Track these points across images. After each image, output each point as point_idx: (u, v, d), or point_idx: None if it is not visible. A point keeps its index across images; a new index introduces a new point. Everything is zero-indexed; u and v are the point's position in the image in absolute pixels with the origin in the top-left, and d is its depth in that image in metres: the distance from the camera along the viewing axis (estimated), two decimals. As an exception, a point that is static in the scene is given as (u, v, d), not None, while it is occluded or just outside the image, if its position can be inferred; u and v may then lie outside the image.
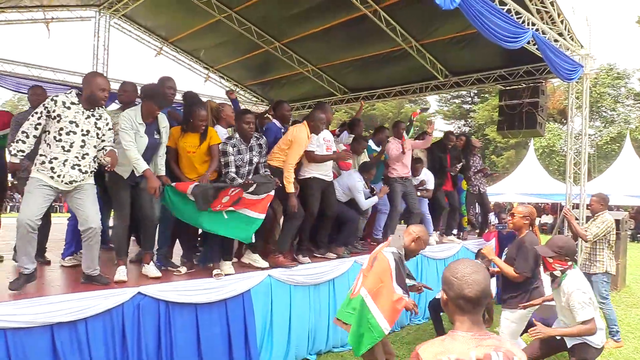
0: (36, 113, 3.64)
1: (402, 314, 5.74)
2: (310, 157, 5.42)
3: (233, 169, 4.75)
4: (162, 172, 4.48)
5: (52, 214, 5.21)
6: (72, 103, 3.71)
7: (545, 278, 4.27)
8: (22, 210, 3.59)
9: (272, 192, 4.74)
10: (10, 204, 26.17)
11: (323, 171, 5.57)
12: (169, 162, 4.67)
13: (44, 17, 11.47)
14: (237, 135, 4.91)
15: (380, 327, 3.47)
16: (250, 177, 4.85)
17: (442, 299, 1.93)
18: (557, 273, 3.74)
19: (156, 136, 4.32)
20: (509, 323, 4.35)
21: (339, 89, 12.74)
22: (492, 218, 12.10)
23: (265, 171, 5.04)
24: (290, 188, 5.08)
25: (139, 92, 4.92)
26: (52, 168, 3.64)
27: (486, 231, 8.79)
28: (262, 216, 4.67)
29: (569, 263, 3.76)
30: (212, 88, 13.83)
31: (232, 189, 4.47)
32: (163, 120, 4.39)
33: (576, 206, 9.02)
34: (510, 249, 4.59)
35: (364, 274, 3.72)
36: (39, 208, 3.60)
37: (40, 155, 3.67)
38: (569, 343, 3.76)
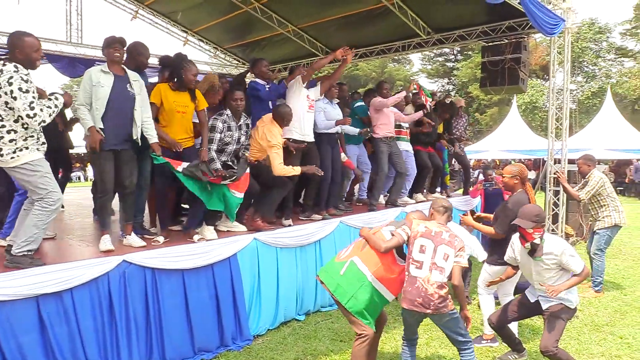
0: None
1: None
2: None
3: (215, 147, 4.73)
4: (154, 139, 4.34)
5: (70, 184, 5.15)
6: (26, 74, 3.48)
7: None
8: (56, 191, 3.59)
9: (247, 170, 4.83)
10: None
11: (300, 131, 5.52)
12: None
13: (12, -18, 11.00)
14: (228, 112, 4.86)
15: (385, 298, 3.64)
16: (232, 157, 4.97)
17: (430, 210, 3.89)
18: (537, 241, 3.76)
19: (129, 89, 4.14)
20: (486, 274, 4.54)
21: (321, 49, 12.52)
22: (480, 176, 12.21)
23: (243, 153, 5.04)
24: (296, 171, 5.11)
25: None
26: (38, 139, 3.58)
27: (471, 189, 8.90)
28: (241, 195, 4.72)
29: (544, 228, 3.82)
30: (191, 51, 13.50)
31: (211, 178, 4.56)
32: (133, 74, 4.26)
33: (558, 161, 9.11)
34: (498, 208, 4.63)
35: (355, 245, 3.79)
36: None
37: (30, 137, 3.49)
38: (544, 305, 3.83)
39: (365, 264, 3.60)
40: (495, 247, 4.49)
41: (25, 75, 3.42)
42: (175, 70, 4.62)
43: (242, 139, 5.00)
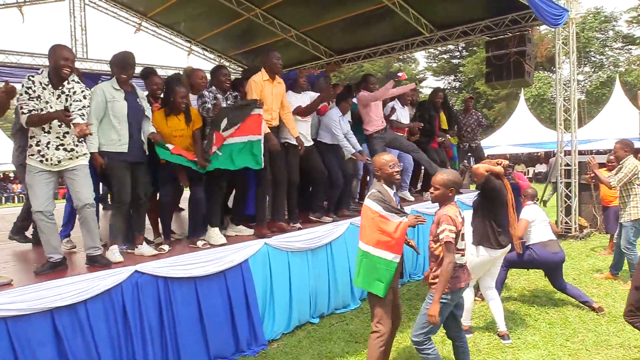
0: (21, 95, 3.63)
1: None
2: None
3: (210, 106, 4.81)
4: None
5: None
6: (46, 84, 3.69)
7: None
8: (32, 203, 3.69)
9: (259, 111, 4.75)
10: (5, 195, 26.00)
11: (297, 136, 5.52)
12: None
13: (16, 1, 11.16)
14: (213, 87, 5.01)
15: (389, 260, 3.53)
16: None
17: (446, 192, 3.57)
18: None
19: (140, 102, 4.28)
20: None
21: (325, 52, 12.56)
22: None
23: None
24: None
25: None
26: (39, 151, 3.67)
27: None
28: (259, 137, 4.69)
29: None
30: (196, 61, 13.63)
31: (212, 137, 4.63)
32: (139, 90, 4.38)
33: (568, 153, 9.03)
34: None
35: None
36: (45, 195, 3.66)
37: (30, 137, 3.70)
38: None
39: (360, 240, 3.65)
40: None
41: (52, 92, 3.73)
42: (166, 94, 4.63)
43: None
